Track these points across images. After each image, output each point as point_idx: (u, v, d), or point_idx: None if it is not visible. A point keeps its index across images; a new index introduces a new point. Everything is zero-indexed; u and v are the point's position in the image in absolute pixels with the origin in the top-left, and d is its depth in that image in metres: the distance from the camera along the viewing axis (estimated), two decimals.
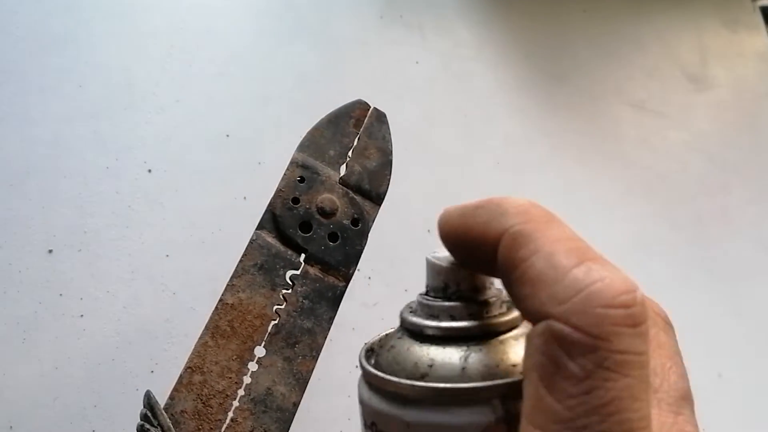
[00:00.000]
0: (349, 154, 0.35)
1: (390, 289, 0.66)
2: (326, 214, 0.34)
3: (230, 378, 0.30)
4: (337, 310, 0.33)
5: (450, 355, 0.20)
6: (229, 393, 0.30)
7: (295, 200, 0.33)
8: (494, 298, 0.21)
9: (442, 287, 0.21)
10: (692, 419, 0.18)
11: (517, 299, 0.18)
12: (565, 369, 0.16)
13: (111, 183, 0.58)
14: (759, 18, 1.06)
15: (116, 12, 0.63)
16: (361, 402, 0.21)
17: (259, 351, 0.31)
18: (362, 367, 0.21)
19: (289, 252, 0.33)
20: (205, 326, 0.31)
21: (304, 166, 0.34)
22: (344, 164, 0.35)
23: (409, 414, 0.19)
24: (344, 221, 0.34)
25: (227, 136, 0.64)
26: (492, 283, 0.21)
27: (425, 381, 0.19)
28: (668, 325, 0.20)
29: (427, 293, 0.22)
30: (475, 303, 0.21)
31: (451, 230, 0.20)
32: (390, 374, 0.20)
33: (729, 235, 0.92)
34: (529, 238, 0.17)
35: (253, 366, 0.31)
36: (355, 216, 0.34)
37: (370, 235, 0.38)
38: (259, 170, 0.64)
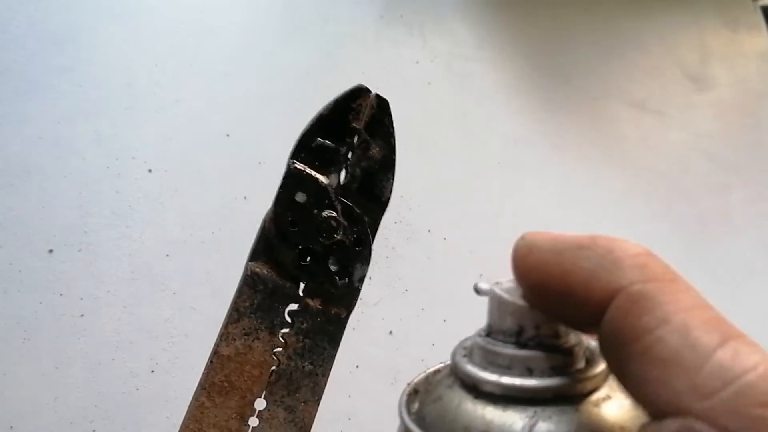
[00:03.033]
0: (349, 155, 0.31)
1: (390, 289, 0.66)
2: (326, 236, 0.30)
3: None
4: (338, 346, 0.30)
5: (511, 422, 0.16)
6: None
7: (293, 223, 0.29)
8: (577, 347, 0.17)
9: (516, 331, 0.17)
10: None
11: (635, 379, 0.14)
12: None
13: (111, 183, 0.58)
14: (760, 18, 1.06)
15: (117, 12, 0.63)
16: None
17: (259, 403, 0.28)
18: (401, 418, 0.18)
19: (287, 285, 0.29)
20: (199, 384, 0.28)
21: (300, 179, 0.29)
22: (343, 168, 0.31)
23: None
24: (346, 243, 0.30)
25: (227, 135, 0.64)
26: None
27: None
28: None
29: (489, 334, 0.18)
30: (558, 352, 0.17)
31: (539, 268, 0.16)
32: None
33: (729, 235, 0.92)
34: (655, 303, 0.14)
35: (253, 421, 0.28)
36: (358, 236, 0.31)
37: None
38: (259, 170, 0.64)
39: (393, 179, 0.32)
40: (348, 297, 0.30)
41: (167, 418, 0.55)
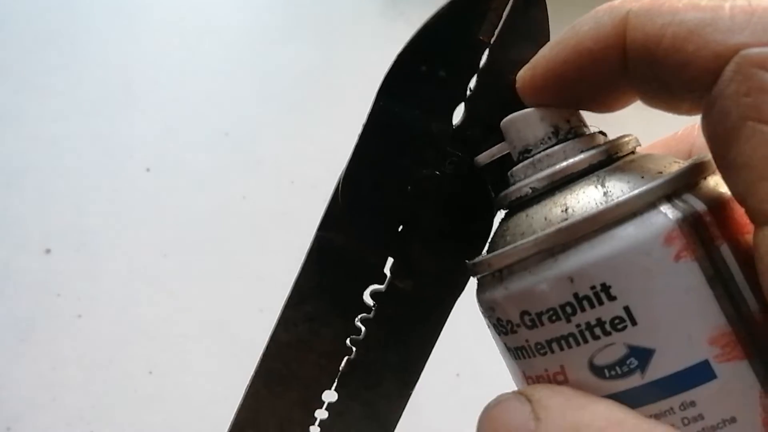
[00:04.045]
0: (471, 85, 0.21)
1: None
2: (427, 200, 0.21)
3: None
4: (437, 335, 0.24)
5: (582, 190, 0.17)
6: None
7: (376, 186, 0.22)
8: (596, 130, 0.19)
9: (553, 131, 0.18)
10: None
11: (746, 171, 0.13)
12: None
13: (109, 182, 0.58)
14: None
15: (114, 10, 0.62)
16: (495, 302, 0.17)
17: (330, 395, 0.24)
18: (481, 263, 0.18)
19: (370, 260, 0.23)
20: (255, 372, 0.24)
21: (390, 125, 0.21)
22: (461, 104, 0.21)
23: (566, 265, 0.16)
24: (455, 206, 0.22)
25: (226, 134, 0.64)
26: None
27: (566, 222, 0.16)
28: None
29: (526, 152, 0.18)
30: (590, 135, 0.19)
31: (596, 39, 0.16)
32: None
33: None
34: None
35: (321, 413, 0.24)
36: (472, 200, 0.22)
37: None
38: (258, 169, 0.63)
39: None
40: (454, 275, 0.22)
41: (165, 420, 0.54)
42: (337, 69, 0.72)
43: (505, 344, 0.18)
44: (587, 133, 0.19)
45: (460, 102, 0.21)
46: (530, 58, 0.19)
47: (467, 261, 0.19)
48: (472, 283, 0.21)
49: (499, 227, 0.19)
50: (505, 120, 0.19)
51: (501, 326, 0.18)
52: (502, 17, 0.21)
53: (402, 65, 0.21)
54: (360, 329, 0.23)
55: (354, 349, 0.23)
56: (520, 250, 0.16)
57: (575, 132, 0.18)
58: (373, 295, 0.23)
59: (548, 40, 0.21)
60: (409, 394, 0.24)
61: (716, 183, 0.16)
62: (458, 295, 0.23)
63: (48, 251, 0.55)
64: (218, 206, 0.61)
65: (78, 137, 0.58)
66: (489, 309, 0.18)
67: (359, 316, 0.23)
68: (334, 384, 0.23)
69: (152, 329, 0.56)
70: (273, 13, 0.71)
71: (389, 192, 0.22)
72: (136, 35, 0.63)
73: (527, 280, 0.16)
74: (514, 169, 0.19)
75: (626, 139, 0.19)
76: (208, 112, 0.64)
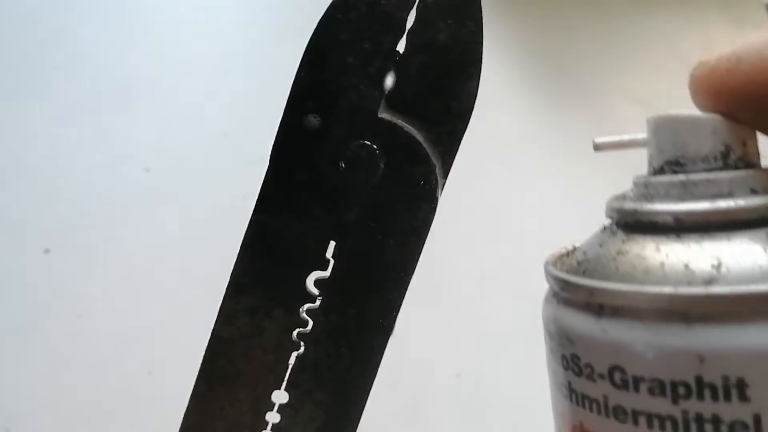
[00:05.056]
0: (401, 44, 0.19)
1: None
2: (360, 174, 0.19)
3: None
4: (392, 327, 0.22)
5: (744, 247, 0.13)
6: None
7: (303, 162, 0.20)
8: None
9: (722, 152, 0.14)
10: None
11: None
12: None
13: (108, 182, 0.58)
14: (765, 15, 1.05)
15: (113, 9, 0.62)
16: (578, 336, 0.14)
17: (280, 396, 0.22)
18: (549, 275, 0.15)
19: (311, 244, 0.20)
20: (199, 371, 0.22)
21: (310, 93, 0.20)
22: (391, 68, 0.19)
23: (701, 341, 0.12)
24: (389, 182, 0.20)
25: (226, 134, 0.64)
26: None
27: (717, 287, 0.12)
28: None
29: (677, 165, 0.15)
30: (765, 171, 0.14)
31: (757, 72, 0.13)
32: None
33: None
34: None
35: (273, 416, 0.22)
36: (410, 173, 0.20)
37: None
38: (258, 169, 0.63)
39: (479, 77, 0.20)
40: (399, 256, 0.20)
41: (165, 420, 0.54)
42: None
43: (569, 382, 0.15)
44: (761, 167, 0.15)
45: (390, 62, 0.19)
46: (463, 12, 0.15)
47: (549, 266, 0.16)
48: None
49: (608, 242, 0.15)
50: (661, 116, 0.16)
51: (574, 364, 0.14)
52: None
53: (318, 37, 0.19)
54: (307, 321, 0.21)
55: (302, 343, 0.21)
56: (641, 297, 0.13)
57: (747, 161, 0.15)
58: (317, 282, 0.21)
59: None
60: (368, 390, 0.21)
61: None
62: (412, 271, 0.20)
63: (48, 251, 0.55)
64: (218, 206, 0.61)
65: (78, 137, 0.58)
66: (564, 337, 0.15)
67: (304, 307, 0.21)
68: (284, 383, 0.21)
69: (152, 329, 0.56)
70: (272, 12, 0.71)
71: (320, 167, 0.20)
72: (136, 35, 0.63)
73: (638, 336, 0.13)
74: (653, 179, 0.15)
75: None
76: (207, 112, 0.64)
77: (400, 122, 0.19)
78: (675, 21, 0.99)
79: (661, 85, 0.95)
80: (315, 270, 0.21)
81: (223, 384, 0.22)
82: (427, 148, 0.19)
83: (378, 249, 0.20)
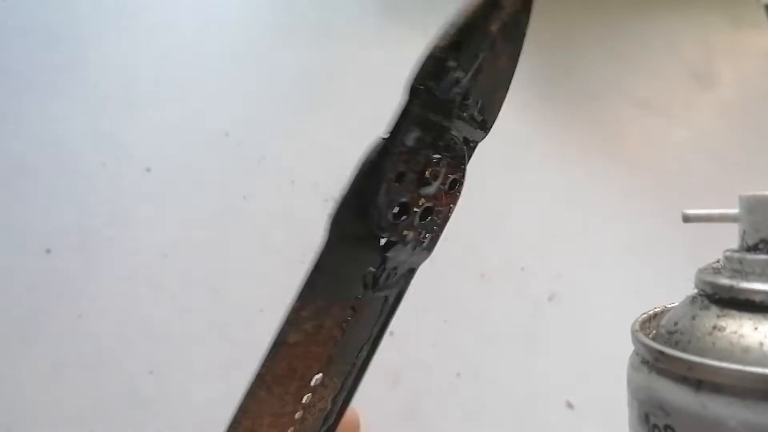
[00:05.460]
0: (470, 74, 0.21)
1: None
2: (426, 186, 0.21)
3: (283, 422, 0.23)
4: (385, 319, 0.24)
5: None
6: None
7: (400, 175, 0.20)
8: None
9: None
10: None
11: None
12: None
13: (109, 182, 0.58)
14: (764, 15, 1.05)
15: (115, 9, 0.62)
16: (674, 408, 0.14)
17: (316, 378, 0.23)
18: (639, 343, 0.15)
19: (372, 245, 0.21)
20: (258, 376, 0.22)
21: (421, 121, 0.19)
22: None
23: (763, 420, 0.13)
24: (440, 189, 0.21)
25: (227, 134, 0.64)
26: None
27: None
28: None
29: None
30: None
31: None
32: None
33: (734, 234, 0.91)
34: None
35: (308, 398, 0.23)
36: (455, 176, 0.22)
37: None
38: (258, 169, 0.63)
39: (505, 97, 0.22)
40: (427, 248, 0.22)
41: (165, 420, 0.54)
42: (336, 68, 0.72)
43: None
44: None
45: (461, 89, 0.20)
46: (512, 46, 0.15)
47: (639, 334, 0.16)
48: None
49: (701, 315, 0.15)
50: (756, 194, 0.16)
51: (649, 411, 0.15)
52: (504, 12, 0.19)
53: (429, 65, 0.19)
54: (353, 311, 0.22)
55: (343, 330, 0.22)
56: (743, 376, 0.13)
57: None
58: (366, 276, 0.22)
59: (525, 29, 0.19)
60: (358, 367, 0.23)
61: None
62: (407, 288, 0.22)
63: (48, 251, 0.55)
64: (219, 206, 0.61)
65: (79, 137, 0.58)
66: (658, 407, 0.15)
67: (355, 297, 0.22)
68: (321, 367, 0.22)
69: (152, 329, 0.56)
70: (273, 13, 0.71)
71: (408, 178, 0.20)
72: (137, 35, 0.63)
73: (737, 413, 0.13)
74: (748, 256, 0.16)
75: None
76: (208, 112, 0.64)
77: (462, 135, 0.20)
78: (675, 22, 0.99)
79: (659, 85, 0.95)
80: (370, 266, 0.21)
81: (279, 383, 0.22)
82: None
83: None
